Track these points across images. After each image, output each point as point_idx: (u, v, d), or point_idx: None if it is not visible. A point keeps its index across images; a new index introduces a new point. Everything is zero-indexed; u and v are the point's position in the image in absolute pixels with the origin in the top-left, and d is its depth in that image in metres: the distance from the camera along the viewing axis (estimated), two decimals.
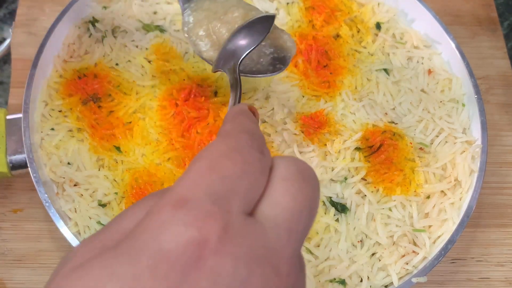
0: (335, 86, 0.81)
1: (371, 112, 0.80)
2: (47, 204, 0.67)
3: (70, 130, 0.75)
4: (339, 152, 0.76)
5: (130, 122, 0.76)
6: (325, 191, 0.73)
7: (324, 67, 0.82)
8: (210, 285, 0.27)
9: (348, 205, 0.73)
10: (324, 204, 0.73)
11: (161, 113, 0.77)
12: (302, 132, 0.76)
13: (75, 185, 0.72)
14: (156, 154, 0.74)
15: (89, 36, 0.82)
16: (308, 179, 0.34)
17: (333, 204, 0.73)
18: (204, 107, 0.77)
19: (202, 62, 0.82)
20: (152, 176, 0.72)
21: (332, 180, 0.75)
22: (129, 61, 0.81)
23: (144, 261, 0.27)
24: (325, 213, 0.72)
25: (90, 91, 0.77)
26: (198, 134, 0.75)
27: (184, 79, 0.79)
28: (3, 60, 0.91)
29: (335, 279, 0.69)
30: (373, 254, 0.71)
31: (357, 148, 0.76)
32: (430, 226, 0.73)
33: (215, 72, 0.66)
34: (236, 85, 0.60)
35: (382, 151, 0.76)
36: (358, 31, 0.87)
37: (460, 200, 0.74)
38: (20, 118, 0.73)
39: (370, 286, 0.69)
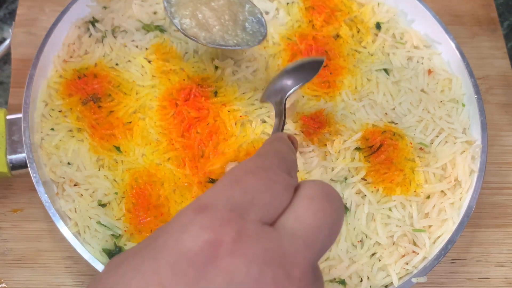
0: (335, 86, 0.81)
1: (371, 112, 0.80)
2: (47, 204, 0.67)
3: (70, 130, 0.75)
4: (339, 152, 0.76)
5: (130, 122, 0.76)
6: None
7: (324, 67, 0.82)
8: (225, 281, 0.29)
9: (348, 205, 0.73)
10: None
11: (161, 113, 0.77)
12: (302, 132, 0.76)
13: (75, 185, 0.72)
14: (156, 154, 0.74)
15: (89, 36, 0.82)
16: (332, 201, 0.36)
17: None
18: (204, 107, 0.77)
19: (202, 62, 0.82)
20: (152, 176, 0.72)
21: (332, 180, 0.75)
22: (129, 61, 0.81)
23: (164, 258, 0.29)
24: None
25: (90, 91, 0.77)
26: (198, 134, 0.75)
27: (184, 79, 0.79)
28: (3, 60, 0.91)
29: (335, 279, 0.69)
30: (373, 254, 0.71)
31: (357, 148, 0.76)
32: (430, 226, 0.73)
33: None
34: (280, 115, 0.66)
35: (382, 151, 0.76)
36: (358, 31, 0.87)
37: (460, 200, 0.74)
38: (20, 118, 0.73)
39: (370, 286, 0.69)
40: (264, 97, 0.73)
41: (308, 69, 0.70)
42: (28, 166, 0.70)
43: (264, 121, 0.77)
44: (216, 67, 0.82)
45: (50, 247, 0.75)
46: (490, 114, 0.89)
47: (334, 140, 0.76)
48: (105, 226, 0.69)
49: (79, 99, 0.77)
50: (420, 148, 0.78)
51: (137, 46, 0.82)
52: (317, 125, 0.77)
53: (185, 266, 0.29)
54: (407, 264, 0.70)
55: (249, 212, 0.32)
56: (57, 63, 0.79)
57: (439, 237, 0.72)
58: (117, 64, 0.80)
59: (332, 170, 0.74)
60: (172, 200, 0.70)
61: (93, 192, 0.71)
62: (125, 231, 0.69)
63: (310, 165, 0.74)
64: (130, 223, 0.69)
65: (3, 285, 0.72)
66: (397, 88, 0.83)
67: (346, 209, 0.73)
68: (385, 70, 0.84)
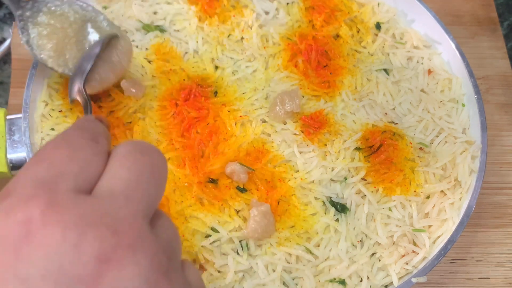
0: (335, 86, 0.81)
1: (371, 112, 0.80)
2: None
3: None
4: (339, 152, 0.76)
5: (130, 122, 0.76)
6: (325, 191, 0.73)
7: (324, 67, 0.82)
8: (43, 255, 0.28)
9: (348, 205, 0.73)
10: (324, 204, 0.73)
11: (161, 113, 0.77)
12: (302, 132, 0.76)
13: None
14: None
15: None
16: (145, 152, 0.36)
17: (333, 204, 0.73)
18: (204, 107, 0.77)
19: (202, 62, 0.82)
20: None
21: (332, 180, 0.75)
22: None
23: None
24: (325, 213, 0.72)
25: None
26: (198, 134, 0.75)
27: (184, 79, 0.79)
28: (3, 60, 0.91)
29: (335, 279, 0.69)
30: (373, 254, 0.71)
31: (357, 148, 0.76)
32: (430, 226, 0.73)
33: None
34: (86, 106, 0.67)
35: (382, 151, 0.76)
36: (358, 31, 0.87)
37: (460, 200, 0.74)
38: (20, 118, 0.73)
39: (370, 286, 0.69)
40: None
41: (90, 52, 0.70)
42: None
43: (264, 121, 0.77)
44: (216, 67, 0.82)
45: None
46: (490, 114, 0.89)
47: (334, 140, 0.76)
48: None
49: None
50: (420, 148, 0.78)
51: (137, 46, 0.82)
52: (317, 125, 0.77)
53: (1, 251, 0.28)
54: (407, 264, 0.71)
55: (59, 184, 0.32)
56: None
57: (439, 237, 0.72)
58: None
59: (332, 170, 0.75)
60: (172, 200, 0.70)
61: None
62: None
63: (310, 165, 0.74)
64: None
65: None
66: (397, 88, 0.83)
67: (346, 209, 0.73)
68: (385, 70, 0.84)
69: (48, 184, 0.31)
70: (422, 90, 0.83)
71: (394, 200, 0.73)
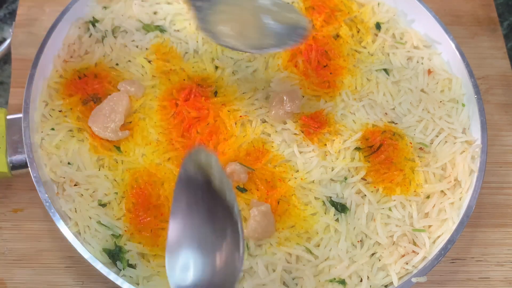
0: (335, 86, 0.81)
1: (371, 112, 0.80)
2: (47, 204, 0.67)
3: (71, 130, 0.75)
4: (339, 152, 0.76)
5: (130, 122, 0.76)
6: (325, 191, 0.73)
7: (324, 67, 0.82)
8: None
9: (348, 205, 0.73)
10: (324, 204, 0.73)
11: (161, 113, 0.77)
12: (302, 132, 0.76)
13: (75, 185, 0.72)
14: (156, 154, 0.74)
15: (89, 36, 0.82)
16: None
17: (333, 204, 0.73)
18: (204, 107, 0.77)
19: (202, 62, 0.82)
20: (152, 176, 0.72)
21: (332, 180, 0.75)
22: (129, 61, 0.81)
23: None
24: (325, 213, 0.72)
25: (90, 91, 0.77)
26: (198, 134, 0.75)
27: (184, 79, 0.79)
28: (3, 60, 0.91)
29: (335, 278, 0.69)
30: (373, 254, 0.71)
31: (357, 148, 0.76)
32: (430, 226, 0.73)
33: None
34: None
35: (382, 151, 0.76)
36: (358, 31, 0.87)
37: (460, 200, 0.74)
38: (20, 118, 0.73)
39: (370, 286, 0.69)
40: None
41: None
42: (28, 166, 0.70)
43: (264, 121, 0.77)
44: (216, 67, 0.82)
45: (50, 247, 0.75)
46: (490, 114, 0.89)
47: (334, 140, 0.76)
48: (105, 226, 0.69)
49: (79, 99, 0.77)
50: (420, 148, 0.78)
51: (137, 46, 0.82)
52: (317, 125, 0.77)
53: None
54: (407, 264, 0.71)
55: None
56: (57, 63, 0.79)
57: (439, 237, 0.72)
58: (117, 64, 0.80)
59: (332, 170, 0.75)
60: (172, 200, 0.70)
61: (93, 192, 0.71)
62: (125, 230, 0.69)
63: (310, 165, 0.74)
64: (130, 223, 0.69)
65: None
66: (397, 88, 0.83)
67: (346, 209, 0.73)
68: (385, 70, 0.84)
69: None
70: (422, 90, 0.83)
71: (394, 200, 0.73)
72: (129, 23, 0.83)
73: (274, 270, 0.68)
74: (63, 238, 0.66)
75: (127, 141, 0.74)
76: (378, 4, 0.89)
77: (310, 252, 0.70)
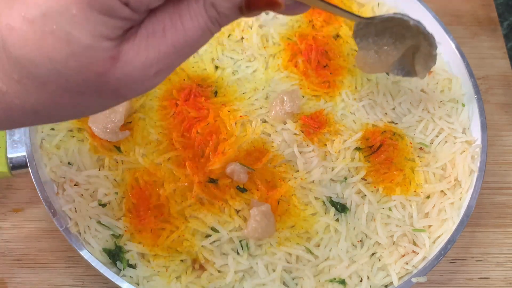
0: (335, 86, 0.81)
1: (371, 112, 0.80)
2: (47, 204, 0.67)
3: (71, 130, 0.75)
4: (339, 152, 0.76)
5: (130, 122, 0.76)
6: (325, 191, 0.73)
7: (324, 67, 0.82)
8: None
9: (348, 205, 0.73)
10: (324, 204, 0.73)
11: (161, 113, 0.77)
12: (302, 132, 0.76)
13: (75, 185, 0.72)
14: (156, 154, 0.74)
15: None
16: None
17: (333, 204, 0.73)
18: (204, 107, 0.77)
19: (202, 62, 0.82)
20: (152, 176, 0.72)
21: (332, 180, 0.75)
22: None
23: None
24: (325, 213, 0.72)
25: None
26: (198, 134, 0.75)
27: (184, 79, 0.79)
28: None
29: (335, 278, 0.69)
30: (373, 254, 0.71)
31: (357, 148, 0.76)
32: (430, 226, 0.73)
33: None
34: None
35: (382, 151, 0.76)
36: None
37: (460, 200, 0.75)
38: None
39: (370, 286, 0.69)
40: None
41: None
42: (28, 166, 0.70)
43: (264, 121, 0.77)
44: (216, 67, 0.82)
45: (50, 247, 0.75)
46: (490, 114, 0.89)
47: (334, 140, 0.76)
48: (105, 226, 0.69)
49: None
50: (420, 148, 0.78)
51: None
52: (317, 125, 0.77)
53: None
54: (407, 264, 0.71)
55: None
56: None
57: (439, 237, 0.73)
58: None
59: (332, 170, 0.75)
60: (172, 200, 0.70)
61: (93, 192, 0.71)
62: (125, 231, 0.69)
63: (310, 165, 0.74)
64: (130, 223, 0.69)
65: None
66: (397, 88, 0.83)
67: (346, 209, 0.73)
68: None
69: None
70: (422, 90, 0.83)
71: (394, 200, 0.73)
72: None
73: (274, 270, 0.68)
74: (63, 238, 0.66)
75: (127, 141, 0.74)
76: (378, 4, 0.89)
77: (310, 252, 0.70)
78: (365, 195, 0.73)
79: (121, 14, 0.36)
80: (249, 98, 0.79)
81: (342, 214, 0.72)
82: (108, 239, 0.69)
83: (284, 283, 0.68)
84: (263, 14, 0.86)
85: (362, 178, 0.75)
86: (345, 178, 0.75)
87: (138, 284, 0.67)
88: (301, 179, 0.73)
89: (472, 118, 0.81)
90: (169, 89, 0.78)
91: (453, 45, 0.85)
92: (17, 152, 0.72)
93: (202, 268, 0.68)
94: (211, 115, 0.76)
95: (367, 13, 0.88)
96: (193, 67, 0.81)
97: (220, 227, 0.69)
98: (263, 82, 0.81)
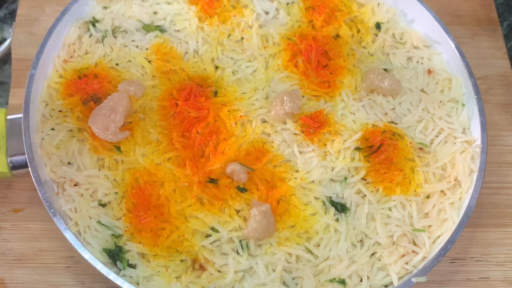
0: (335, 86, 0.81)
1: (371, 112, 0.80)
2: (47, 204, 0.67)
3: (71, 130, 0.75)
4: (339, 152, 0.76)
5: (130, 122, 0.76)
6: (325, 191, 0.73)
7: (324, 67, 0.82)
8: None
9: (348, 205, 0.73)
10: (324, 204, 0.73)
11: (161, 113, 0.77)
12: (302, 132, 0.76)
13: (75, 185, 0.72)
14: (156, 154, 0.74)
15: (90, 36, 0.82)
16: None
17: (333, 204, 0.73)
18: (204, 107, 0.77)
19: (202, 62, 0.82)
20: (152, 176, 0.72)
21: (332, 180, 0.75)
22: (129, 61, 0.81)
23: None
24: (325, 213, 0.72)
25: (91, 91, 0.77)
26: (198, 134, 0.75)
27: (184, 79, 0.79)
28: (3, 60, 0.91)
29: (335, 278, 0.69)
30: (373, 254, 0.71)
31: (357, 148, 0.76)
32: (430, 226, 0.73)
33: None
34: None
35: (382, 151, 0.76)
36: (358, 31, 0.87)
37: (460, 200, 0.75)
38: (20, 118, 0.73)
39: (370, 286, 0.69)
40: None
41: None
42: (28, 166, 0.70)
43: (264, 121, 0.77)
44: (216, 67, 0.82)
45: (50, 247, 0.75)
46: (490, 114, 0.89)
47: (334, 140, 0.76)
48: (105, 226, 0.69)
49: (80, 99, 0.77)
50: (420, 148, 0.78)
51: (137, 46, 0.82)
52: (317, 125, 0.77)
53: None
54: (407, 263, 0.71)
55: None
56: (58, 63, 0.79)
57: (439, 236, 0.72)
58: (117, 64, 0.80)
59: (332, 170, 0.75)
60: (172, 200, 0.70)
61: (93, 192, 0.71)
62: (125, 230, 0.69)
63: (310, 165, 0.74)
64: (130, 223, 0.69)
65: None
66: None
67: (346, 209, 0.73)
68: (385, 70, 0.84)
69: None
70: (422, 90, 0.83)
71: (394, 200, 0.73)
72: (129, 23, 0.83)
73: (274, 270, 0.68)
74: (63, 238, 0.66)
75: (127, 141, 0.74)
76: (378, 4, 0.89)
77: (310, 252, 0.70)
78: (365, 195, 0.73)
79: None
80: (249, 98, 0.79)
81: (342, 214, 0.72)
82: (108, 239, 0.69)
83: (284, 283, 0.68)
84: (263, 14, 0.87)
85: (362, 178, 0.75)
86: (345, 178, 0.75)
87: (138, 284, 0.67)
88: (301, 179, 0.73)
89: (472, 118, 0.81)
90: (169, 89, 0.78)
91: (453, 45, 0.85)
92: (17, 152, 0.72)
93: (202, 268, 0.68)
94: (211, 115, 0.76)
95: (367, 13, 0.88)
96: (193, 67, 0.81)
97: (220, 227, 0.69)
98: (263, 82, 0.81)
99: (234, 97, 0.79)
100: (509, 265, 0.79)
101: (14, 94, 0.85)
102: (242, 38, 0.84)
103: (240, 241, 0.69)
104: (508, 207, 0.83)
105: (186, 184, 0.71)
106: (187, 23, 0.84)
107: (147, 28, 0.84)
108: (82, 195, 0.71)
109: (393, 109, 0.81)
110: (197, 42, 0.83)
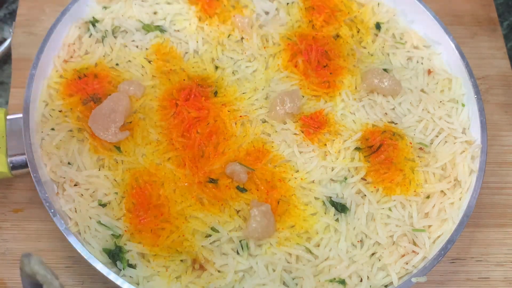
0: (335, 86, 0.81)
1: (371, 112, 0.80)
2: (47, 204, 0.67)
3: (71, 130, 0.75)
4: (339, 152, 0.76)
5: (130, 122, 0.76)
6: (325, 191, 0.73)
7: (324, 67, 0.82)
8: None
9: (348, 205, 0.73)
10: (324, 204, 0.73)
11: (161, 113, 0.77)
12: (302, 132, 0.76)
13: (75, 185, 0.72)
14: (156, 154, 0.74)
15: (89, 36, 0.82)
16: None
17: (333, 204, 0.73)
18: (204, 107, 0.77)
19: (202, 62, 0.82)
20: (152, 176, 0.72)
21: (332, 180, 0.75)
22: (129, 61, 0.81)
23: None
24: (325, 213, 0.72)
25: (91, 91, 0.77)
26: (198, 134, 0.75)
27: (184, 79, 0.79)
28: (3, 60, 0.91)
29: (335, 278, 0.69)
30: (373, 254, 0.71)
31: (357, 148, 0.76)
32: (430, 226, 0.73)
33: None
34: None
35: (382, 151, 0.76)
36: (358, 31, 0.87)
37: (460, 200, 0.75)
38: (20, 118, 0.73)
39: (370, 286, 0.69)
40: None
41: None
42: (28, 166, 0.70)
43: (264, 121, 0.77)
44: (216, 67, 0.82)
45: (50, 247, 0.75)
46: (490, 114, 0.89)
47: (334, 140, 0.76)
48: (105, 226, 0.69)
49: (80, 99, 0.77)
50: (420, 148, 0.78)
51: (137, 46, 0.82)
52: (317, 125, 0.77)
53: None
54: (407, 263, 0.71)
55: None
56: (58, 63, 0.79)
57: (439, 237, 0.72)
58: (117, 64, 0.80)
59: (332, 170, 0.75)
60: (172, 200, 0.70)
61: (93, 192, 0.71)
62: (125, 231, 0.69)
63: (310, 165, 0.74)
64: (130, 223, 0.69)
65: None
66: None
67: (346, 209, 0.73)
68: (385, 70, 0.84)
69: None
70: (422, 90, 0.83)
71: (394, 200, 0.73)
72: (129, 23, 0.83)
73: (274, 270, 0.68)
74: (63, 238, 0.66)
75: (127, 141, 0.74)
76: (378, 4, 0.89)
77: (310, 252, 0.70)
78: (365, 195, 0.73)
79: None
80: (249, 98, 0.79)
81: (342, 214, 0.72)
82: (108, 239, 0.69)
83: (284, 283, 0.68)
84: (263, 14, 0.87)
85: (362, 178, 0.75)
86: (345, 178, 0.75)
87: (138, 284, 0.67)
88: (301, 179, 0.73)
89: (472, 118, 0.81)
90: (169, 89, 0.78)
91: (453, 45, 0.85)
92: (17, 152, 0.72)
93: (202, 268, 0.68)
94: (211, 115, 0.76)
95: (367, 13, 0.88)
96: (193, 67, 0.81)
97: (220, 227, 0.69)
98: (263, 82, 0.81)
99: (234, 97, 0.79)
100: (509, 265, 0.79)
101: (14, 94, 0.85)
102: (242, 38, 0.84)
103: (240, 241, 0.69)
104: (508, 207, 0.83)
105: (186, 184, 0.71)
106: (187, 23, 0.84)
107: (147, 28, 0.84)
108: (82, 195, 0.71)
109: (393, 109, 0.81)
110: (197, 42, 0.83)
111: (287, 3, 0.88)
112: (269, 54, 0.83)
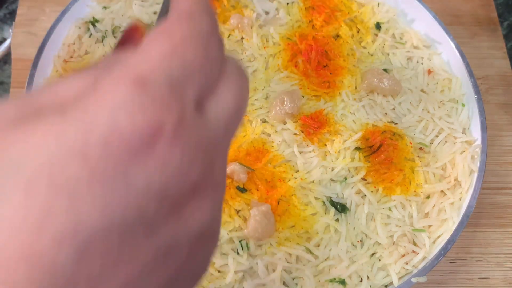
0: (335, 86, 0.81)
1: (371, 112, 0.80)
2: None
3: None
4: (339, 152, 0.76)
5: None
6: (325, 191, 0.73)
7: (324, 67, 0.82)
8: (157, 169, 0.26)
9: (348, 205, 0.73)
10: (324, 204, 0.73)
11: None
12: (302, 132, 0.76)
13: None
14: None
15: (89, 36, 0.82)
16: (246, 75, 0.33)
17: (333, 204, 0.73)
18: None
19: None
20: None
21: (332, 180, 0.75)
22: None
23: (97, 132, 0.25)
24: (325, 213, 0.72)
25: None
26: None
27: None
28: (3, 60, 0.91)
29: (335, 279, 0.69)
30: (373, 254, 0.71)
31: (357, 148, 0.76)
32: (430, 226, 0.73)
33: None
34: None
35: (382, 151, 0.76)
36: (358, 31, 0.87)
37: (460, 200, 0.75)
38: None
39: (370, 286, 0.69)
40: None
41: None
42: None
43: (264, 121, 0.77)
44: None
45: None
46: (490, 114, 0.89)
47: (334, 140, 0.76)
48: None
49: None
50: (420, 148, 0.78)
51: None
52: (317, 125, 0.77)
53: (118, 145, 0.25)
54: (407, 264, 0.71)
55: (187, 91, 0.28)
56: (57, 63, 0.79)
57: (439, 237, 0.72)
58: None
59: (332, 170, 0.75)
60: None
61: None
62: None
63: (310, 165, 0.74)
64: None
65: None
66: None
67: (346, 209, 0.73)
68: (385, 70, 0.84)
69: (179, 89, 0.27)
70: (422, 90, 0.83)
71: (394, 200, 0.73)
72: (129, 23, 0.83)
73: (274, 270, 0.68)
74: None
75: None
76: (378, 4, 0.89)
77: (310, 252, 0.70)
78: (365, 195, 0.73)
79: None
80: (249, 98, 0.79)
81: (342, 214, 0.72)
82: None
83: (284, 283, 0.68)
84: (263, 14, 0.87)
85: (362, 178, 0.75)
86: (345, 178, 0.75)
87: None
88: (301, 179, 0.73)
89: (472, 118, 0.81)
90: None
91: (453, 45, 0.85)
92: None
93: None
94: None
95: (367, 13, 0.88)
96: None
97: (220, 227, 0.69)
98: (263, 82, 0.81)
99: None
100: (509, 265, 0.79)
101: (14, 94, 0.85)
102: (242, 38, 0.84)
103: (240, 241, 0.69)
104: (508, 207, 0.83)
105: None
106: None
107: (147, 28, 0.84)
108: None
109: (393, 109, 0.81)
110: None
111: (287, 3, 0.88)
112: (269, 54, 0.83)
